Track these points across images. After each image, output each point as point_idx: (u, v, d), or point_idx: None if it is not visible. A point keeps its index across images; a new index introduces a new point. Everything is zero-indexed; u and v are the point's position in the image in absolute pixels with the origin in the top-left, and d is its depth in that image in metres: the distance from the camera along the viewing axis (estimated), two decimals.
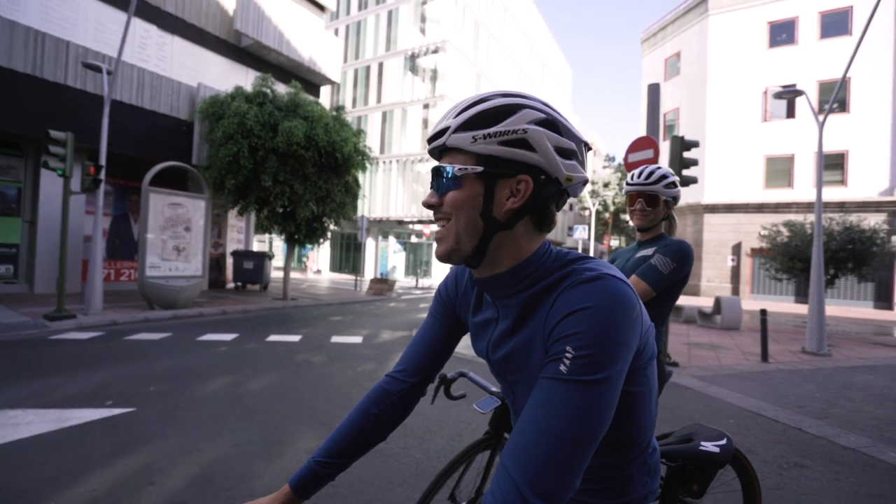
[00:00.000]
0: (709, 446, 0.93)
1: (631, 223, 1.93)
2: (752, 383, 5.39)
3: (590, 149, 0.76)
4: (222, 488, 2.51)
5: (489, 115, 0.67)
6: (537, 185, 0.68)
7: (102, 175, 8.04)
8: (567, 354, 0.59)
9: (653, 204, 1.82)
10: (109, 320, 7.68)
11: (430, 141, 0.73)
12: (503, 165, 0.67)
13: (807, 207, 17.44)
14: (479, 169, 0.67)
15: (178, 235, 9.74)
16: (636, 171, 1.87)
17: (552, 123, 0.68)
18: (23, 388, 4.09)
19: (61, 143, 7.48)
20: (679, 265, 1.71)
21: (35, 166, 10.39)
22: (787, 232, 11.49)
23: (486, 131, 0.66)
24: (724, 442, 0.94)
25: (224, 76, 14.00)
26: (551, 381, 0.60)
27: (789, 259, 11.07)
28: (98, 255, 8.35)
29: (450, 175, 0.68)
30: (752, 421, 4.09)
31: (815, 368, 6.37)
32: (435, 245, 0.74)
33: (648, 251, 1.81)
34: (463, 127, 0.67)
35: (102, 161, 8.25)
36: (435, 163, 0.73)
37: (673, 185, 1.81)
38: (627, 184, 1.88)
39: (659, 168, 1.83)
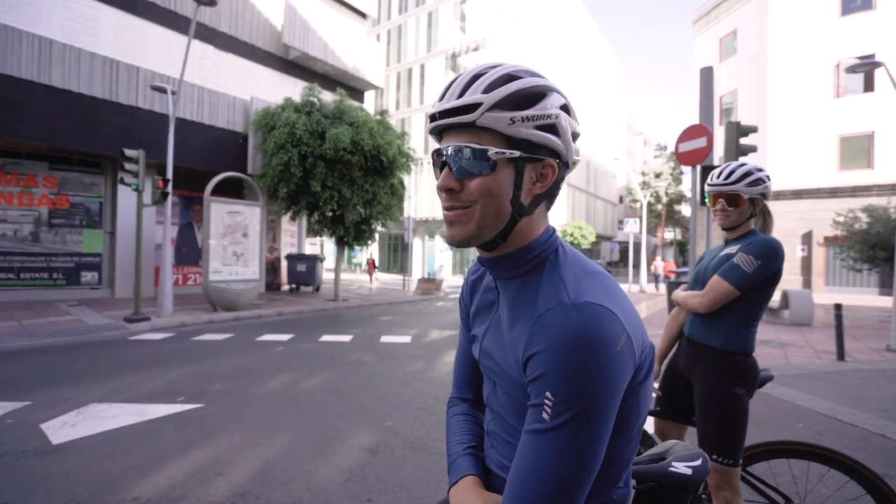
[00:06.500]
0: (680, 467, 0.85)
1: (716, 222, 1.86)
2: (825, 384, 4.98)
3: None
4: (282, 481, 2.67)
5: (524, 95, 0.63)
6: (559, 170, 0.67)
7: (170, 188, 8.72)
8: (547, 402, 0.57)
9: (734, 203, 1.75)
10: (179, 322, 8.32)
11: (446, 114, 0.64)
12: (534, 150, 0.64)
13: (890, 190, 15.81)
14: (517, 154, 0.63)
15: (236, 241, 10.38)
16: (716, 171, 1.81)
17: (568, 108, 0.67)
18: (108, 384, 4.53)
19: (134, 161, 8.18)
20: (764, 263, 1.63)
21: (113, 182, 11.43)
22: (867, 217, 10.49)
23: (524, 113, 0.62)
24: (698, 463, 0.86)
25: (274, 88, 14.72)
26: (536, 433, 0.59)
27: (870, 247, 10.10)
28: (168, 261, 9.06)
29: (482, 159, 0.63)
30: (825, 425, 3.78)
31: None
32: (447, 228, 0.68)
33: (733, 249, 1.75)
34: (498, 106, 0.62)
35: (169, 175, 8.95)
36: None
37: (759, 181, 1.72)
38: (708, 184, 1.83)
39: (741, 165, 1.75)
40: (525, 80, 0.64)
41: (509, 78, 0.63)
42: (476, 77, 0.64)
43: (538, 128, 0.63)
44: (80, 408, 3.81)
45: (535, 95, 0.63)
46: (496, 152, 0.62)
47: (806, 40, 18.49)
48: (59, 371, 5.00)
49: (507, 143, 0.63)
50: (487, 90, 0.62)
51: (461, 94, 0.64)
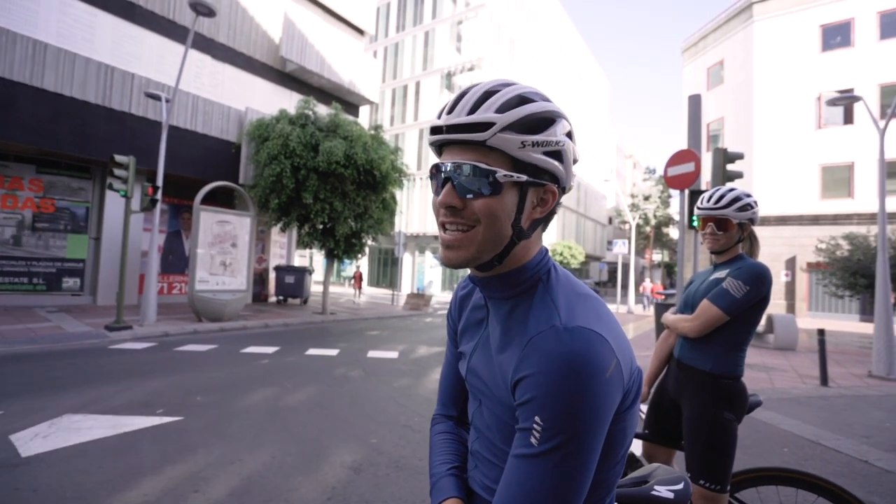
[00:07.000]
0: (662, 491, 0.86)
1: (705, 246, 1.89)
2: (809, 409, 5.02)
3: None
4: (262, 499, 2.59)
5: (535, 119, 0.62)
6: (558, 194, 0.67)
7: (159, 195, 8.63)
8: (536, 427, 0.57)
9: (723, 228, 1.79)
10: (162, 331, 8.13)
11: (454, 129, 0.63)
12: (538, 174, 0.64)
13: (870, 219, 16.23)
14: (524, 178, 0.62)
15: (225, 251, 10.25)
16: (706, 195, 1.84)
17: (572, 135, 0.67)
18: (85, 394, 4.39)
19: (124, 167, 8.10)
20: (753, 288, 1.66)
21: (101, 188, 11.28)
22: (848, 245, 10.74)
23: (534, 138, 0.61)
24: (680, 487, 0.86)
25: (269, 99, 14.76)
26: (524, 458, 0.58)
27: (851, 274, 10.33)
28: (153, 269, 8.91)
29: (489, 179, 0.61)
30: (809, 450, 3.80)
31: (883, 394, 5.85)
32: (444, 250, 0.66)
33: (722, 273, 1.78)
34: (511, 127, 0.61)
35: (159, 182, 8.86)
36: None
37: (747, 207, 1.76)
38: (697, 208, 1.86)
39: (731, 190, 1.79)
40: (538, 104, 0.63)
41: (522, 100, 0.63)
42: (489, 94, 0.63)
43: (545, 153, 0.63)
44: (54, 419, 3.68)
45: (546, 121, 0.63)
46: (504, 175, 0.62)
47: (789, 73, 19.18)
48: (33, 380, 4.83)
49: (514, 165, 0.63)
50: (500, 110, 0.61)
51: (472, 111, 0.62)
